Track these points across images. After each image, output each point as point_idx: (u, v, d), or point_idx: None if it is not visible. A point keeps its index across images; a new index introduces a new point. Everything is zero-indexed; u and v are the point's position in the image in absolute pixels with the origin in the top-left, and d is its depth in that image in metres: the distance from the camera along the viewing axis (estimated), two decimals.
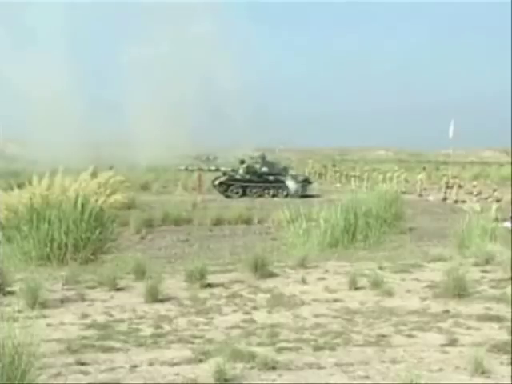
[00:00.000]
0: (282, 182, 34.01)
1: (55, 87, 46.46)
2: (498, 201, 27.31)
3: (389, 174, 38.53)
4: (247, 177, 33.83)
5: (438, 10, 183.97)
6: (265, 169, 34.32)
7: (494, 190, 31.66)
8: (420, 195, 36.32)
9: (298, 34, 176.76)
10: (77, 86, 48.16)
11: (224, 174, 34.42)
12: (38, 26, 49.90)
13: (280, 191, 33.43)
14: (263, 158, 35.10)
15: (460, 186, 35.06)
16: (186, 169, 36.78)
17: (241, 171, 34.07)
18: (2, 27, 47.53)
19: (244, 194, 33.14)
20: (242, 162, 34.66)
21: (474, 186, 34.09)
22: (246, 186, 33.40)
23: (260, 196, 32.98)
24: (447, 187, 35.12)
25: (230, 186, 33.46)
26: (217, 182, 33.82)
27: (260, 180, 33.93)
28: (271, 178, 34.11)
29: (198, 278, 9.76)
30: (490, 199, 29.62)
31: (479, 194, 32.35)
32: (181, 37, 46.00)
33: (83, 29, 72.99)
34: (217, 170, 35.47)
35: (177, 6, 46.70)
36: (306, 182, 35.34)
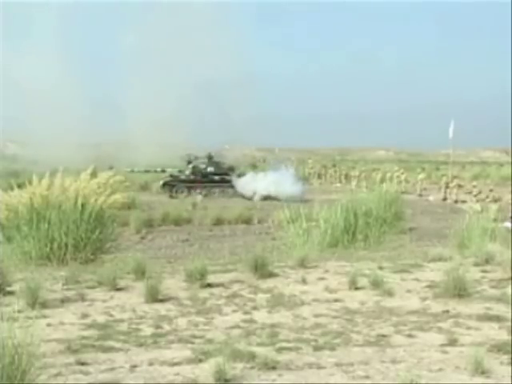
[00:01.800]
0: (228, 181, 34.22)
1: (55, 87, 46.45)
2: (495, 201, 27.33)
3: (389, 174, 38.55)
4: (192, 177, 34.10)
5: (438, 11, 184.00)
6: (211, 169, 34.59)
7: (491, 190, 31.74)
8: (420, 195, 36.35)
9: (298, 34, 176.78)
10: (76, 86, 48.11)
11: (170, 175, 34.70)
12: (38, 26, 49.89)
13: (226, 191, 33.62)
14: (210, 158, 35.32)
15: (460, 186, 35.09)
16: (132, 171, 36.71)
17: (187, 172, 34.34)
18: (3, 27, 47.48)
19: (190, 194, 33.30)
20: (189, 162, 34.97)
21: (474, 186, 34.12)
22: (191, 187, 33.64)
23: (206, 196, 33.11)
24: (447, 187, 35.15)
25: (174, 186, 33.74)
26: (161, 183, 33.99)
27: (205, 180, 34.19)
28: (216, 177, 34.38)
29: (198, 278, 9.76)
30: (487, 199, 29.67)
31: (479, 193, 32.40)
32: (181, 36, 45.97)
33: (83, 28, 72.95)
34: (163, 171, 35.60)
35: (176, 6, 46.68)
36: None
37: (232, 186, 33.85)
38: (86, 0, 61.36)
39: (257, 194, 32.53)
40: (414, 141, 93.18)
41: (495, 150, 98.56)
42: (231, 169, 35.28)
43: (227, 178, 34.43)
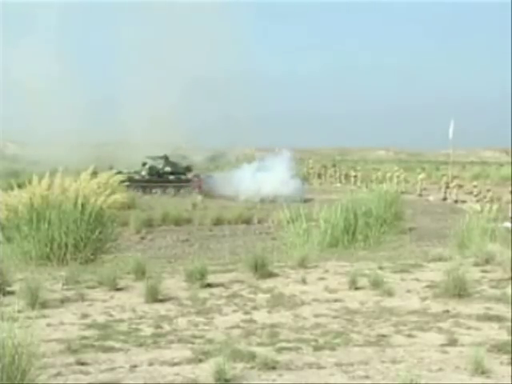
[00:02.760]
0: (184, 180, 35.04)
1: (54, 87, 46.46)
2: (492, 200, 27.36)
3: (388, 174, 38.59)
4: (147, 177, 34.75)
5: (438, 10, 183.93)
6: (168, 168, 35.17)
7: (488, 190, 31.82)
8: (420, 195, 36.38)
9: (297, 34, 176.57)
10: (76, 86, 48.12)
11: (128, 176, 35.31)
12: (37, 26, 49.89)
13: (181, 190, 34.12)
14: (166, 158, 36.14)
15: (460, 186, 35.12)
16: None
17: (143, 172, 34.85)
18: (3, 27, 47.45)
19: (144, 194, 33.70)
20: (144, 164, 35.54)
21: (475, 186, 34.16)
22: (146, 186, 34.05)
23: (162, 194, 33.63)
24: (447, 187, 35.18)
25: (128, 186, 34.30)
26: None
27: (160, 180, 34.87)
28: (171, 177, 34.93)
29: (198, 277, 9.76)
30: (484, 199, 29.72)
31: (479, 193, 32.45)
32: (181, 35, 45.99)
33: (83, 28, 72.92)
34: (119, 172, 36.05)
35: (177, 5, 46.66)
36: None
37: (186, 186, 34.54)
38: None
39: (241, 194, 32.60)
40: (414, 141, 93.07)
41: (495, 150, 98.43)
42: (188, 169, 36.11)
43: (183, 177, 35.30)
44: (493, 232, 14.36)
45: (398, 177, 38.94)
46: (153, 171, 35.06)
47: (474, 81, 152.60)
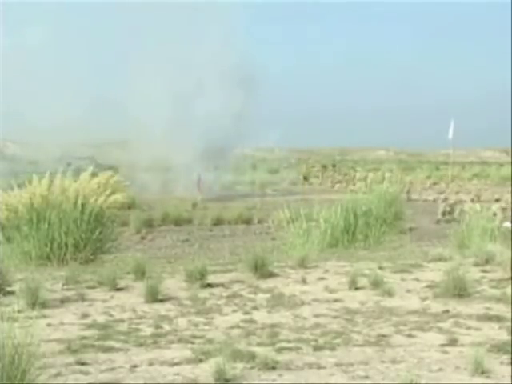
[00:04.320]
0: None
1: (55, 86, 46.41)
2: (488, 201, 27.44)
3: (387, 175, 38.62)
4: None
5: (438, 10, 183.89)
6: (96, 170, 35.73)
7: (485, 190, 31.96)
8: (419, 195, 36.38)
9: (297, 33, 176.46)
10: (76, 86, 48.06)
11: None
12: (38, 24, 49.83)
13: None
14: (93, 159, 36.53)
15: (460, 186, 35.16)
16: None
17: (69, 173, 35.12)
18: (5, 27, 47.40)
19: None
20: (69, 164, 35.87)
21: (475, 185, 34.21)
22: None
23: None
24: (447, 187, 35.23)
25: None
26: None
27: None
28: None
29: (198, 277, 9.76)
30: (480, 198, 29.77)
31: (478, 193, 32.51)
32: (182, 35, 45.97)
33: (83, 29, 72.81)
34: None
35: (177, 5, 46.64)
36: None
37: None
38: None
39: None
40: (414, 141, 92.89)
41: (495, 150, 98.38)
42: (115, 170, 36.69)
43: None
44: (493, 232, 14.36)
45: (396, 176, 38.98)
46: (79, 172, 35.51)
47: (474, 81, 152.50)
